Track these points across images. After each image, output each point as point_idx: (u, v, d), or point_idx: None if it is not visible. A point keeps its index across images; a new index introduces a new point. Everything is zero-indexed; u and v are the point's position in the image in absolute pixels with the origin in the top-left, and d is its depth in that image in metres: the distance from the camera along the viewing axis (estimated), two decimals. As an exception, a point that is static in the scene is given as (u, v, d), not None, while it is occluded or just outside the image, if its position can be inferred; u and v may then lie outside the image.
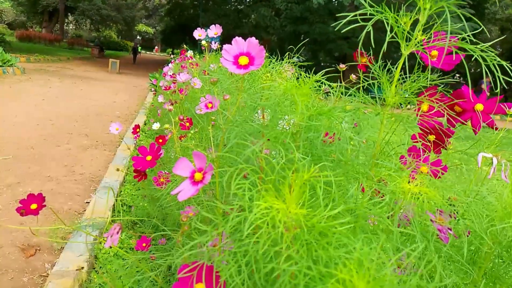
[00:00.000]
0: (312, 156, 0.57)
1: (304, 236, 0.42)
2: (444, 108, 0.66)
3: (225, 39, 1.48)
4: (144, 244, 1.10)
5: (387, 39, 0.55)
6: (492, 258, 0.64)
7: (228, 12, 19.37)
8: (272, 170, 0.48)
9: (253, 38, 0.63)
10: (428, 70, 0.63)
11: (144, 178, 1.32)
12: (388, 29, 0.55)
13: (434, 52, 0.61)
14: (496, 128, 0.71)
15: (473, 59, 0.59)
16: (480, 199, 0.66)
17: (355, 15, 0.55)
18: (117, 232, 0.73)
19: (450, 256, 0.60)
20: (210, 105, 0.94)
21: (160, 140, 1.44)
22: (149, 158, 1.15)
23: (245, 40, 0.64)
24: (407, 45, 0.59)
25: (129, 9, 30.32)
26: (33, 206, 0.91)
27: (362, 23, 0.56)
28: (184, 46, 2.87)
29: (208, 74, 2.04)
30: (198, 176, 0.56)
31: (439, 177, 0.67)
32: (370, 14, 0.55)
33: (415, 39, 0.59)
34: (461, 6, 0.61)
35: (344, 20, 0.56)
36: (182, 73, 1.89)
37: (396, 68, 0.63)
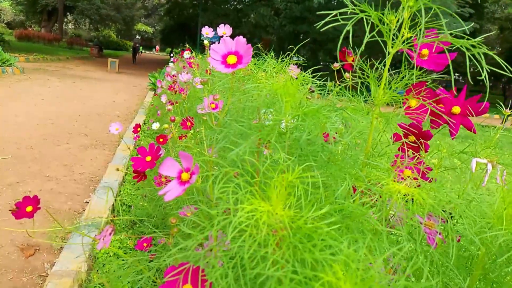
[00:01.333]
0: (299, 156, 0.57)
1: (290, 239, 0.41)
2: (432, 105, 0.65)
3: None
4: (145, 244, 1.10)
5: (365, 39, 0.55)
6: (490, 262, 0.64)
7: (227, 12, 19.36)
8: (257, 172, 0.48)
9: (241, 37, 0.64)
10: (414, 67, 0.63)
11: (144, 179, 1.32)
12: (368, 28, 0.56)
13: (425, 51, 0.61)
14: (474, 131, 0.68)
15: (452, 47, 0.59)
16: (477, 202, 0.66)
17: (336, 15, 0.55)
18: (110, 234, 0.73)
19: (442, 260, 0.60)
20: (213, 106, 0.94)
21: (161, 140, 1.44)
22: (148, 158, 1.15)
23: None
24: (393, 44, 0.60)
25: (128, 9, 30.25)
26: (28, 208, 0.91)
27: (342, 19, 0.56)
28: (186, 45, 2.88)
29: (210, 73, 2.05)
30: (185, 176, 0.56)
31: (429, 178, 0.66)
32: (351, 13, 0.56)
33: (402, 37, 0.59)
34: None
35: (325, 19, 0.56)
36: (183, 73, 1.89)
37: (384, 67, 0.63)
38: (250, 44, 0.62)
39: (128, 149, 3.50)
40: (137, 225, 2.25)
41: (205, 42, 1.68)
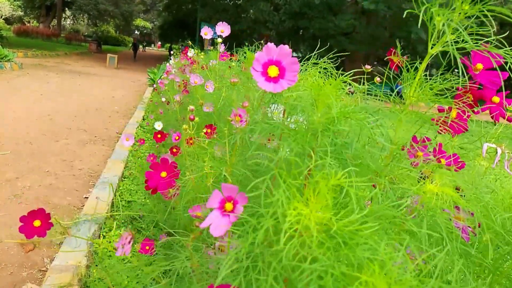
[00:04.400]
0: (337, 159, 0.56)
1: (335, 239, 0.42)
2: (467, 111, 0.66)
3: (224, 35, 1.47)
4: (147, 247, 1.06)
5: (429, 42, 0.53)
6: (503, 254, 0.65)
7: (226, 7, 19.23)
8: (299, 174, 0.47)
9: (286, 46, 0.55)
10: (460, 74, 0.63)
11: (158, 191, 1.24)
12: (419, 22, 0.54)
13: (479, 66, 0.62)
14: (509, 119, 0.71)
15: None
16: (489, 192, 0.68)
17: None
18: (129, 242, 0.71)
19: (469, 255, 0.60)
20: (238, 119, 0.88)
21: (174, 150, 1.36)
22: (164, 174, 1.06)
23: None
24: (434, 44, 0.59)
25: (127, 4, 30.03)
26: (36, 223, 0.86)
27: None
28: (188, 42, 2.86)
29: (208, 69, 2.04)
30: (228, 206, 0.54)
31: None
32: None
33: (442, 38, 0.58)
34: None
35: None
36: (193, 75, 1.86)
37: (419, 67, 0.62)
38: (296, 58, 0.54)
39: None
40: (136, 220, 2.25)
41: (219, 40, 1.64)
